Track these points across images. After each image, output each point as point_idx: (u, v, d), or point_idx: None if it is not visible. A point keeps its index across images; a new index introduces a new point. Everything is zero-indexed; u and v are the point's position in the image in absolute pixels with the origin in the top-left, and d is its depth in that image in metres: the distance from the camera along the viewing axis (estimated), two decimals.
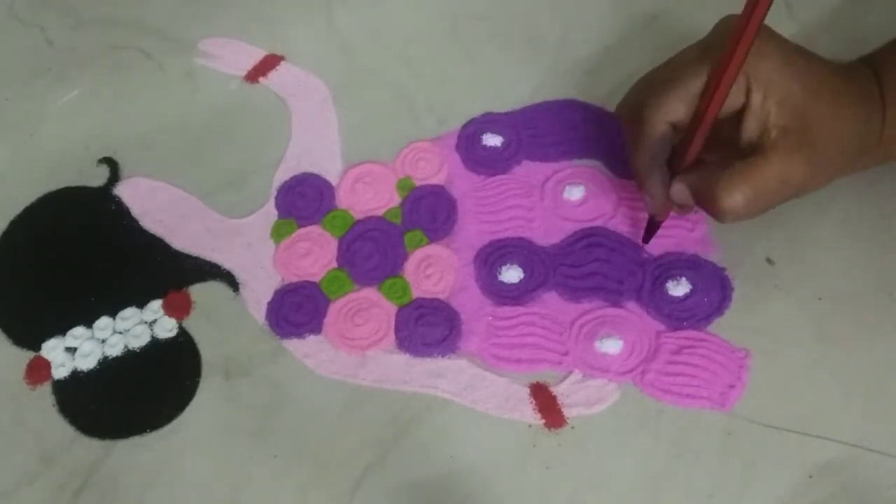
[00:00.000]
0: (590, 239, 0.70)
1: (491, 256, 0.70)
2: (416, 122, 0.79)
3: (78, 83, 0.84)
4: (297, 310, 0.69)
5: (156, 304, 0.71)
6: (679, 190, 0.58)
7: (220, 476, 0.63)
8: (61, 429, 0.66)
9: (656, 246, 0.70)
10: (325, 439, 0.64)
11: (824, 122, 0.56)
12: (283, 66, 0.84)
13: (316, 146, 0.78)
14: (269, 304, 0.70)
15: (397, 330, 0.68)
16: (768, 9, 0.52)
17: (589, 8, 0.84)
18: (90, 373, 0.68)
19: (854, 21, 0.80)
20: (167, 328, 0.69)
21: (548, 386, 0.65)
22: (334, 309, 0.69)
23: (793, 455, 0.60)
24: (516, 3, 0.86)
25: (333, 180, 0.76)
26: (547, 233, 0.72)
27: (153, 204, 0.76)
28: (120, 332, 0.69)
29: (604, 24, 0.83)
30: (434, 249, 0.72)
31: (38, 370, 0.68)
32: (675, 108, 0.55)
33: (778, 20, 0.82)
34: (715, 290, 0.67)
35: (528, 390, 0.65)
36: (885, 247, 0.68)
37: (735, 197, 0.53)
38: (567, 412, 0.64)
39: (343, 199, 0.75)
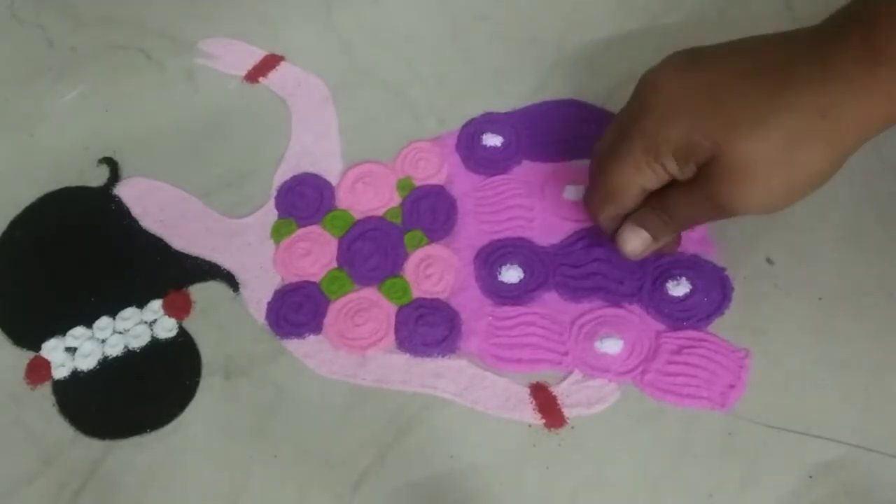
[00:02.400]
0: (590, 239, 0.70)
1: (491, 256, 0.70)
2: (416, 122, 0.79)
3: (78, 83, 0.84)
4: (297, 310, 0.69)
5: (156, 304, 0.71)
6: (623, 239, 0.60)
7: (220, 476, 0.63)
8: (61, 429, 0.66)
9: None
10: (325, 439, 0.64)
11: (744, 145, 0.49)
12: (283, 66, 0.84)
13: (316, 146, 0.78)
14: (269, 304, 0.70)
15: (397, 330, 0.68)
16: None
17: (589, 8, 0.84)
18: (90, 373, 0.68)
19: None
20: (167, 328, 0.69)
21: (548, 386, 0.65)
22: (334, 309, 0.69)
23: (793, 455, 0.60)
24: (516, 3, 0.86)
25: (333, 180, 0.76)
26: (547, 233, 0.72)
27: (153, 204, 0.76)
28: (120, 332, 0.69)
29: (604, 23, 0.83)
30: (434, 249, 0.72)
31: (38, 370, 0.68)
32: (649, 179, 0.55)
33: (778, 20, 0.82)
34: (715, 290, 0.67)
35: (528, 390, 0.65)
36: (885, 247, 0.68)
37: (628, 241, 0.59)
38: (567, 412, 0.64)
39: (343, 199, 0.75)
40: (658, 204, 0.55)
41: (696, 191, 0.52)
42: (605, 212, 0.58)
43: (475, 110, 0.79)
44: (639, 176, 0.53)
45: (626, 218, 0.60)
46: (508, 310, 0.68)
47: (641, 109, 0.53)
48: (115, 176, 0.78)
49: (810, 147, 0.48)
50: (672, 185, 0.54)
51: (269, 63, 0.84)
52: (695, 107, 0.50)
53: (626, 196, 0.55)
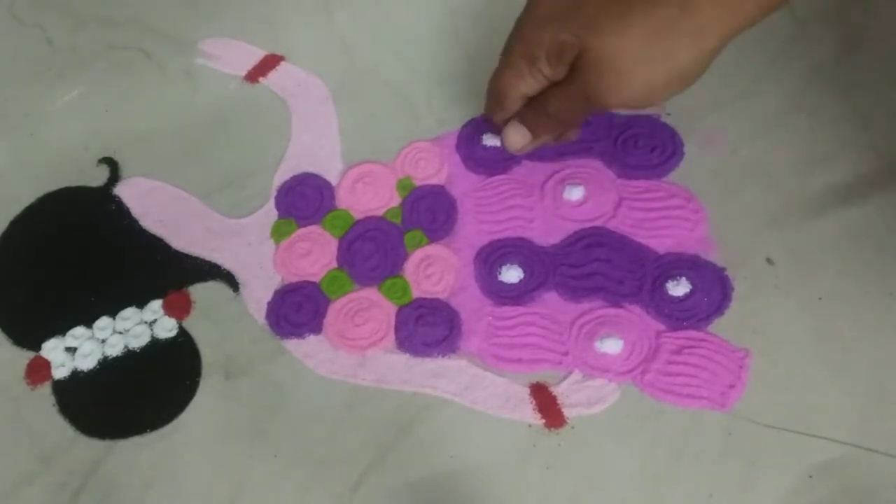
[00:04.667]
0: (590, 239, 0.70)
1: (491, 256, 0.70)
2: (416, 122, 0.79)
3: (78, 83, 0.84)
4: (297, 310, 0.69)
5: (156, 304, 0.71)
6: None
7: (220, 476, 0.63)
8: (61, 429, 0.66)
9: (656, 246, 0.70)
10: (325, 439, 0.64)
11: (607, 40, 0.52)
12: (283, 66, 0.84)
13: (316, 146, 0.78)
14: (269, 304, 0.70)
15: (397, 330, 0.68)
16: None
17: None
18: (90, 373, 0.68)
19: (854, 20, 0.80)
20: (167, 328, 0.69)
21: (548, 386, 0.65)
22: (334, 309, 0.69)
23: (793, 455, 0.60)
24: (516, 3, 0.86)
25: (333, 180, 0.76)
26: (547, 233, 0.72)
27: (153, 204, 0.76)
28: (120, 332, 0.69)
29: None
30: (434, 249, 0.72)
31: (38, 370, 0.68)
32: (529, 85, 0.60)
33: (778, 20, 0.82)
34: (715, 290, 0.67)
35: (528, 390, 0.65)
36: (885, 247, 0.68)
37: (508, 137, 0.64)
38: (567, 412, 0.64)
39: (343, 199, 0.75)
40: (537, 104, 0.60)
41: (567, 86, 0.56)
42: (495, 116, 0.64)
43: (475, 110, 0.79)
44: (520, 83, 0.59)
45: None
46: (508, 310, 0.68)
47: (521, 17, 0.58)
48: (115, 176, 0.78)
49: (671, 42, 0.50)
50: (549, 87, 0.59)
51: (269, 63, 0.84)
52: (563, 10, 0.54)
53: (510, 101, 0.61)
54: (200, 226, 0.74)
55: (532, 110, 0.61)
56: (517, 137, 0.63)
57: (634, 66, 0.51)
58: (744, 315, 0.66)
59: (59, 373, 0.68)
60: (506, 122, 0.64)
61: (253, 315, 0.70)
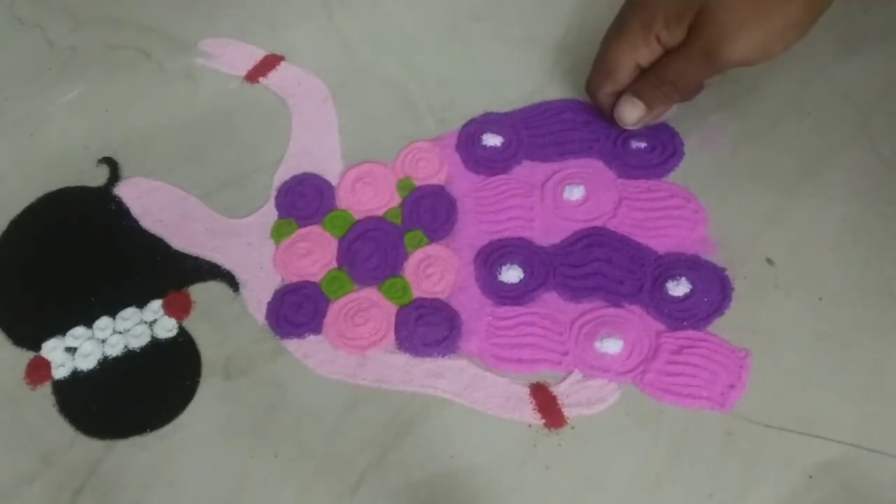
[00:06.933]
0: (590, 239, 0.70)
1: (491, 256, 0.70)
2: (416, 122, 0.79)
3: (78, 83, 0.84)
4: (297, 310, 0.69)
5: (156, 304, 0.71)
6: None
7: (220, 476, 0.63)
8: (61, 429, 0.66)
9: (656, 246, 0.70)
10: (325, 439, 0.64)
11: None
12: (283, 66, 0.84)
13: (316, 146, 0.78)
14: (269, 304, 0.70)
15: (397, 330, 0.68)
16: None
17: (589, 8, 0.84)
18: (90, 373, 0.68)
19: (854, 20, 0.80)
20: (167, 328, 0.69)
21: (548, 386, 0.65)
22: (334, 309, 0.69)
23: (793, 455, 0.60)
24: (516, 3, 0.86)
25: (333, 180, 0.76)
26: (547, 233, 0.72)
27: (153, 204, 0.76)
28: (120, 332, 0.69)
29: (604, 24, 0.83)
30: (434, 249, 0.72)
31: (38, 370, 0.68)
32: (643, 55, 0.62)
33: None
34: (715, 290, 0.67)
35: (528, 390, 0.65)
36: (885, 247, 0.68)
37: (625, 112, 0.65)
38: (567, 412, 0.64)
39: (343, 199, 0.75)
40: (654, 73, 0.61)
41: (687, 48, 0.57)
42: (603, 88, 0.65)
43: (475, 110, 0.79)
44: (634, 52, 0.60)
45: (622, 93, 0.64)
46: (508, 310, 0.68)
47: None
48: (115, 176, 0.78)
49: None
50: (664, 55, 0.60)
51: (269, 63, 0.84)
52: None
53: (622, 72, 0.62)
54: (200, 226, 0.75)
55: (648, 80, 0.61)
56: (632, 111, 0.63)
57: (753, 18, 0.54)
58: (744, 315, 0.66)
59: (59, 373, 0.68)
60: (616, 95, 0.65)
61: (253, 315, 0.70)
